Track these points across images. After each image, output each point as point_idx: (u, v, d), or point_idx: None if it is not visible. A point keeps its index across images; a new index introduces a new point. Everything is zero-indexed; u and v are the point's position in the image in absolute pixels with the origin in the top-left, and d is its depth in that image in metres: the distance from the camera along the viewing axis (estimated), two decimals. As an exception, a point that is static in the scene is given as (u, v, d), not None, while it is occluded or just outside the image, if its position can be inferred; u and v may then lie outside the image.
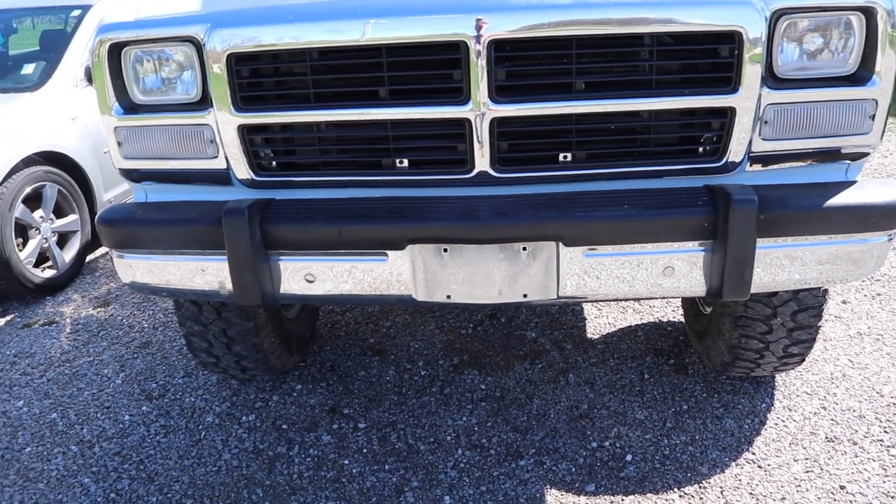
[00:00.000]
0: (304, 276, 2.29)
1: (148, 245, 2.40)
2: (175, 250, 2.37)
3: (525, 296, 2.23)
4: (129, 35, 2.24)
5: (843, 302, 4.02)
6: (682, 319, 3.78)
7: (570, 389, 3.30)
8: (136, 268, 2.46)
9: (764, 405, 3.15)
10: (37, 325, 4.28)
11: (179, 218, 2.35)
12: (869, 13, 2.08)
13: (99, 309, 4.39)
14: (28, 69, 5.26)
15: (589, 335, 3.74)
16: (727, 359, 3.08)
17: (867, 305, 3.98)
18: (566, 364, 3.49)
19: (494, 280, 2.21)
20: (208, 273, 2.36)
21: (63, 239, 4.81)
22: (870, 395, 3.19)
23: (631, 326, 3.81)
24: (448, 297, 2.25)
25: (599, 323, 3.85)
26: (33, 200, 4.54)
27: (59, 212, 4.74)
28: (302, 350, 3.56)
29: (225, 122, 2.24)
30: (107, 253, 5.27)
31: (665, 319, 3.86)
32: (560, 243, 2.15)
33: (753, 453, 2.87)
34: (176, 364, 3.68)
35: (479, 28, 2.01)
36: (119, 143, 2.40)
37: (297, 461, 2.93)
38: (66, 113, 4.79)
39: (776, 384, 3.29)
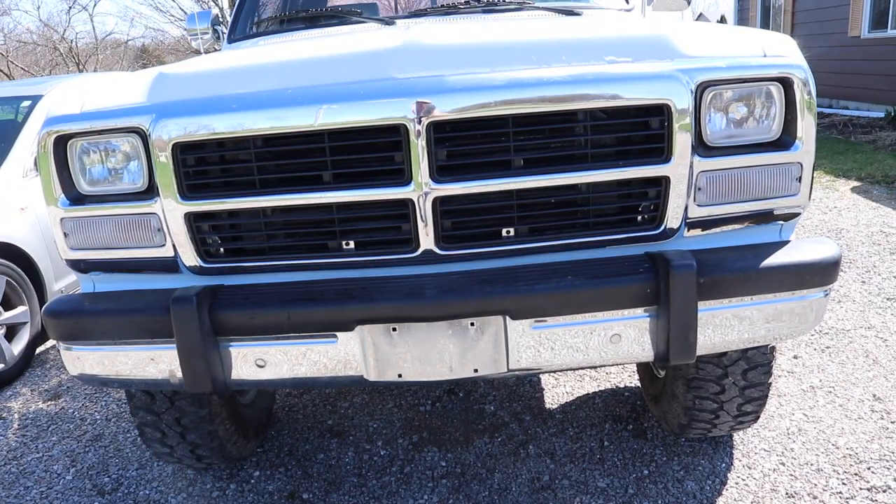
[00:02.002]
0: (255, 361, 2.28)
1: (96, 336, 2.37)
2: (124, 340, 2.34)
3: (476, 370, 2.25)
4: (76, 127, 2.27)
5: (795, 357, 4.10)
6: (639, 384, 3.82)
7: (530, 461, 3.28)
8: (85, 359, 2.42)
9: (724, 465, 3.17)
10: (-17, 423, 4.15)
11: (127, 308, 2.33)
12: (786, 83, 2.20)
13: (49, 402, 4.28)
14: (-24, 160, 5.24)
15: (547, 405, 3.74)
16: (683, 421, 3.11)
17: (817, 359, 4.06)
18: (526, 436, 3.48)
19: (444, 357, 2.22)
20: (158, 362, 2.33)
21: (11, 331, 4.72)
22: (826, 448, 3.23)
23: (589, 394, 3.83)
24: (399, 375, 2.25)
25: (557, 392, 3.86)
26: (-20, 293, 4.47)
27: (7, 303, 4.66)
28: (259, 435, 3.51)
29: (171, 210, 2.26)
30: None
31: (622, 385, 3.89)
32: (507, 317, 2.18)
33: (715, 516, 2.87)
34: (130, 456, 3.59)
35: (418, 111, 2.08)
36: (65, 234, 2.39)
37: (255, 551, 2.86)
38: (15, 203, 4.76)
39: (734, 443, 3.32)
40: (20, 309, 4.71)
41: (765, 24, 18.16)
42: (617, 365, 2.47)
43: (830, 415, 3.50)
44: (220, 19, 4.45)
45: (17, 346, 4.69)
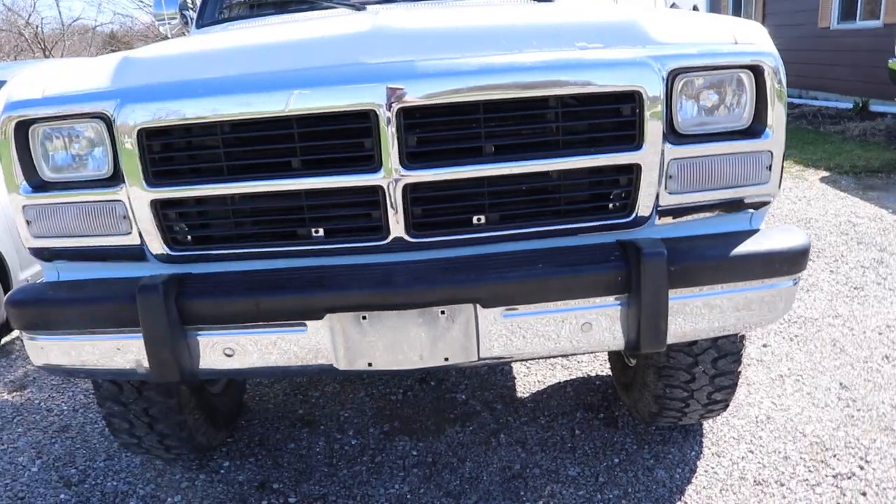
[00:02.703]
0: (223, 350, 2.25)
1: (60, 326, 2.33)
2: (89, 330, 2.30)
3: (446, 359, 2.24)
4: (37, 112, 2.21)
5: (764, 345, 4.14)
6: (610, 373, 3.83)
7: (501, 450, 3.28)
8: (49, 350, 2.37)
9: (693, 453, 3.20)
10: (-53, 415, 4.07)
11: (93, 296, 2.29)
12: (757, 70, 2.21)
13: (14, 393, 4.21)
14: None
15: (519, 394, 3.75)
16: (654, 409, 3.12)
17: (786, 347, 4.10)
18: (497, 425, 3.48)
19: (415, 345, 2.20)
20: (125, 352, 2.29)
21: (-25, 322, 4.63)
22: (794, 436, 3.27)
23: (560, 383, 3.84)
24: (369, 364, 2.23)
25: (529, 381, 3.87)
26: (-57, 283, 4.38)
27: (-30, 294, 4.57)
28: (229, 425, 3.47)
29: (137, 197, 2.22)
30: (23, 334, 5.08)
31: (593, 374, 3.90)
32: (477, 305, 2.17)
33: (685, 502, 2.89)
34: (97, 447, 3.54)
35: (388, 97, 2.05)
36: (28, 222, 2.34)
37: (225, 542, 2.83)
38: (-22, 192, 4.65)
39: (704, 431, 3.35)
40: (-16, 298, 4.62)
41: (736, 14, 18.30)
42: (588, 353, 2.47)
43: (798, 403, 3.54)
44: (189, 4, 4.38)
45: (-19, 337, 4.61)
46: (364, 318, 2.16)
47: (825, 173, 8.42)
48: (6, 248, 4.74)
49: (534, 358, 2.35)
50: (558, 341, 2.26)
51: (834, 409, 3.47)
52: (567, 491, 2.99)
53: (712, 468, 3.09)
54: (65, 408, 3.96)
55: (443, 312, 2.16)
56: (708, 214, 2.36)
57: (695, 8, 21.62)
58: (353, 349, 2.21)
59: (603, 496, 2.94)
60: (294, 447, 3.41)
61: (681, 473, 3.07)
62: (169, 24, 4.26)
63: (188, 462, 3.33)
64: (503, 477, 3.10)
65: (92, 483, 3.25)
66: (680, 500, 2.91)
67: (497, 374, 3.94)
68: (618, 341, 2.29)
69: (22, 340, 4.92)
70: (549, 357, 2.40)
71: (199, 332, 2.23)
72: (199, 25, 3.93)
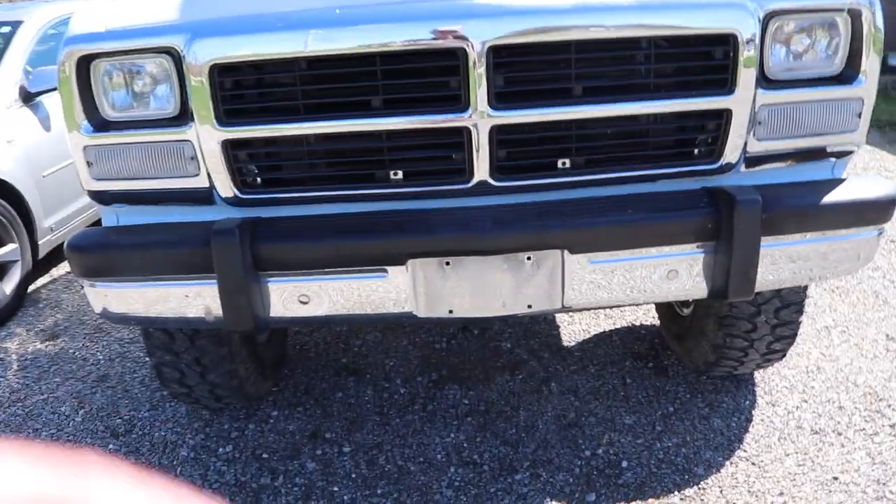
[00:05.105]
0: (298, 297, 2.18)
1: (124, 272, 2.26)
2: (155, 276, 2.23)
3: (530, 306, 2.18)
4: (101, 47, 2.10)
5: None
6: (655, 322, 3.80)
7: (554, 399, 3.25)
8: (111, 297, 2.31)
9: (747, 402, 3.17)
10: (-21, 364, 4.01)
11: (162, 241, 2.21)
12: (854, 14, 2.11)
13: (47, 342, 4.14)
14: (-46, 91, 4.95)
15: (565, 343, 3.71)
16: (711, 359, 3.09)
17: (828, 299, 4.07)
18: (546, 373, 3.45)
19: (498, 291, 2.14)
20: (194, 299, 2.22)
21: (2, 270, 4.53)
22: (846, 386, 3.25)
23: (605, 332, 3.80)
24: (450, 311, 2.17)
25: (573, 330, 3.83)
26: (-32, 230, 4.27)
27: (-5, 241, 4.47)
28: (275, 374, 3.43)
29: (207, 137, 2.12)
30: (50, 282, 5.00)
31: (638, 323, 3.86)
32: (565, 251, 2.10)
33: (745, 450, 2.88)
34: (139, 396, 3.49)
35: (478, 34, 1.96)
36: (89, 164, 2.24)
37: (283, 492, 2.79)
38: (1, 136, 4.52)
39: (756, 381, 3.32)
40: (10, 247, 4.51)
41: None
42: (667, 301, 2.41)
43: (846, 354, 3.51)
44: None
45: (9, 286, 4.51)
46: (447, 263, 2.10)
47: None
48: (31, 194, 4.62)
49: (615, 306, 2.29)
50: (642, 289, 2.20)
51: (883, 360, 3.45)
52: (625, 439, 2.96)
53: (768, 417, 3.07)
54: (100, 357, 3.90)
55: (529, 258, 2.10)
56: (791, 162, 2.29)
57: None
58: (435, 295, 2.14)
59: (662, 444, 2.92)
60: (342, 396, 3.36)
61: (737, 422, 3.05)
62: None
63: (236, 412, 3.29)
64: (559, 425, 3.07)
65: (139, 433, 3.21)
66: (739, 448, 2.89)
67: (540, 322, 3.89)
68: (701, 290, 2.24)
69: (51, 288, 4.87)
70: (630, 305, 2.34)
71: (274, 279, 2.16)
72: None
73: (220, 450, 3.06)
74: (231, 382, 2.98)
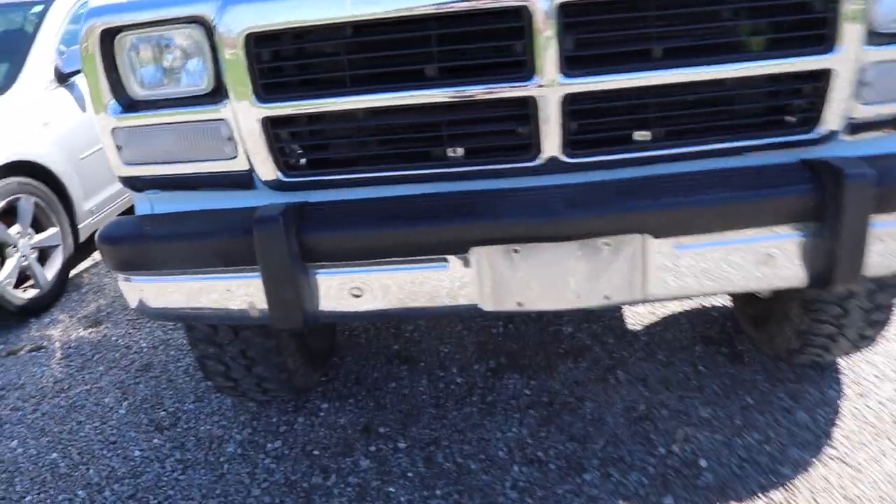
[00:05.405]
0: (350, 290, 1.98)
1: (161, 265, 2.07)
2: (194, 269, 2.04)
3: (607, 297, 1.94)
4: (125, 19, 1.90)
5: (890, 273, 3.79)
6: (726, 303, 3.53)
7: (622, 389, 3.02)
8: (147, 292, 2.13)
9: (833, 393, 2.91)
10: (23, 352, 3.91)
11: (198, 231, 2.02)
12: None
13: (90, 329, 4.03)
14: (-13, 72, 4.83)
15: (629, 326, 3.47)
16: (794, 346, 2.83)
17: (915, 275, 3.75)
18: (612, 360, 3.21)
19: (572, 281, 1.91)
20: (236, 292, 2.03)
21: (44, 255, 4.43)
22: (944, 375, 2.96)
23: (672, 314, 3.54)
24: (519, 304, 1.95)
25: (638, 312, 3.58)
26: (8, 215, 4.16)
27: (37, 226, 4.36)
28: (325, 365, 3.26)
29: (245, 115, 1.92)
30: (92, 266, 4.90)
31: (708, 304, 3.60)
32: (647, 235, 1.86)
33: (836, 448, 2.62)
34: (184, 387, 3.35)
35: (547, -11, 1.71)
36: (118, 147, 2.06)
37: (336, 492, 2.62)
38: (38, 118, 4.39)
39: (840, 368, 3.05)
40: (51, 231, 4.41)
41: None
42: (762, 290, 2.16)
43: (941, 336, 3.22)
44: None
45: (51, 271, 4.42)
46: (516, 251, 1.87)
47: None
48: (69, 177, 4.50)
49: (701, 295, 2.05)
50: (734, 277, 1.95)
51: (983, 342, 3.15)
52: (702, 435, 2.72)
53: (859, 410, 2.80)
54: (143, 345, 3.77)
55: (607, 244, 1.86)
56: (891, 131, 2.01)
57: None
58: (502, 287, 1.92)
59: (743, 441, 2.68)
60: (395, 386, 3.18)
61: (824, 416, 2.79)
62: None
63: (283, 404, 3.13)
64: (628, 419, 2.84)
65: (184, 427, 3.07)
66: (829, 446, 2.63)
67: (603, 305, 3.65)
68: (800, 276, 1.98)
69: (93, 273, 4.77)
70: (718, 294, 2.10)
71: (324, 270, 1.96)
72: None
73: (269, 445, 2.90)
74: (279, 375, 2.81)
